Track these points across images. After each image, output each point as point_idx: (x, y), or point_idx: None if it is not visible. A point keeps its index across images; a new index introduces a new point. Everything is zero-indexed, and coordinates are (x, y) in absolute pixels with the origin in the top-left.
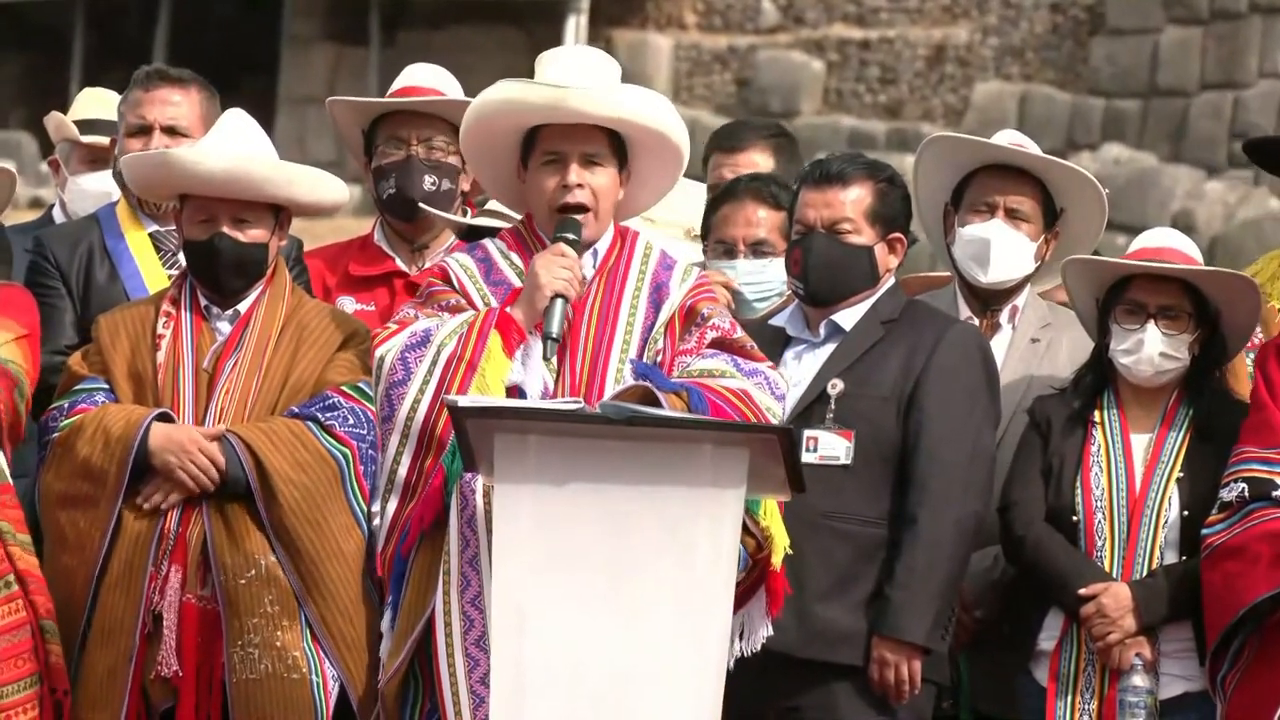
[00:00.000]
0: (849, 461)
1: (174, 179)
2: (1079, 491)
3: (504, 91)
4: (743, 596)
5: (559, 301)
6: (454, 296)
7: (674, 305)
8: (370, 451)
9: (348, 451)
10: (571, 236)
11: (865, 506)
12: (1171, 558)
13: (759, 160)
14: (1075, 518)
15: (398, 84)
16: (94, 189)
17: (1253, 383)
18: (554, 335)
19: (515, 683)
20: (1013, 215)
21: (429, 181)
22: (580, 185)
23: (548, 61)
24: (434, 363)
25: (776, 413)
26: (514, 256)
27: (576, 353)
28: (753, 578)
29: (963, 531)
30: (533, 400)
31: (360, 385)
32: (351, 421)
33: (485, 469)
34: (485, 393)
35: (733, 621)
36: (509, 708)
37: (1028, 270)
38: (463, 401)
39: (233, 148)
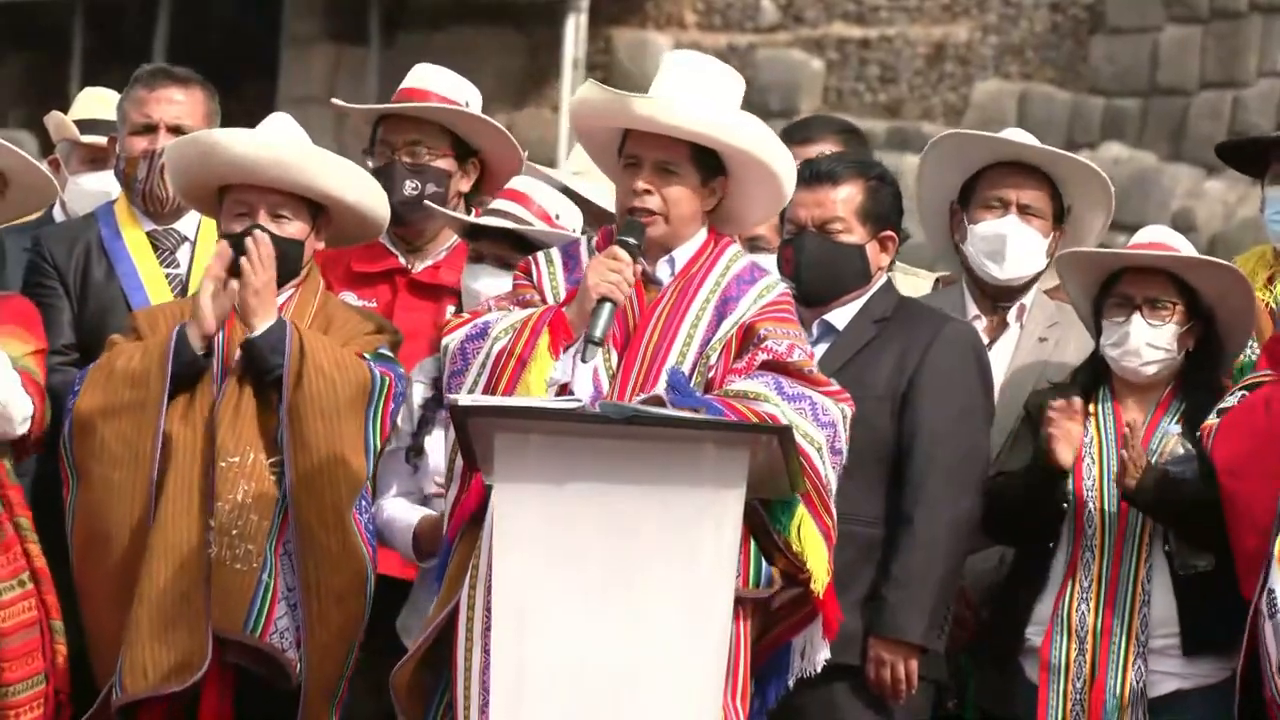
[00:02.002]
0: (844, 462)
1: (214, 163)
2: (1070, 480)
3: (584, 92)
4: (799, 624)
5: (606, 305)
6: (530, 291)
7: (737, 321)
8: (400, 392)
9: (385, 378)
10: (631, 241)
11: (861, 507)
12: (1159, 548)
13: (828, 153)
14: (1065, 504)
15: (402, 86)
16: (94, 189)
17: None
18: (595, 338)
19: (515, 683)
20: (1025, 211)
21: (409, 186)
22: (648, 191)
23: (663, 65)
24: (488, 354)
25: (815, 438)
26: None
27: (636, 357)
28: (805, 611)
29: (958, 530)
30: (531, 399)
31: (379, 350)
32: (386, 365)
33: (486, 468)
34: (527, 390)
35: (795, 642)
36: (509, 708)
37: (1040, 266)
38: (463, 400)
39: (275, 136)
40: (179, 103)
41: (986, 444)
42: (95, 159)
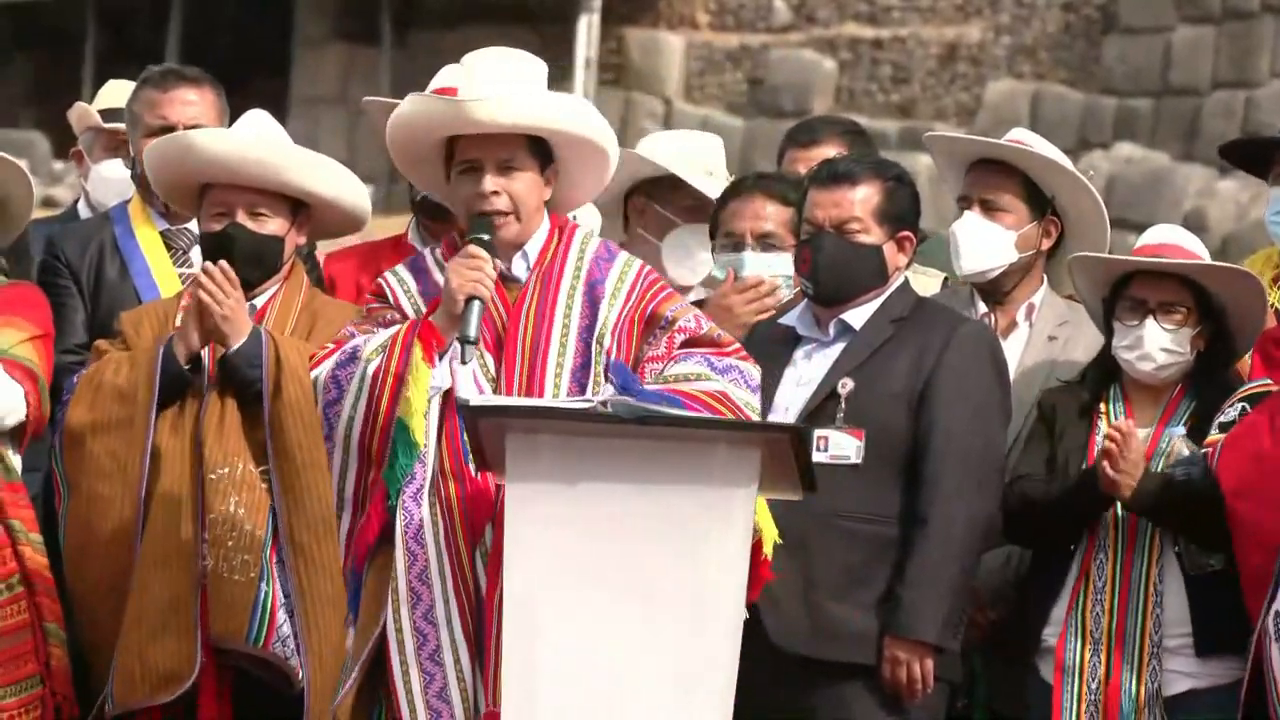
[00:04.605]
0: (860, 461)
1: (192, 162)
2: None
3: (412, 105)
4: None
5: (475, 304)
6: (390, 313)
7: (621, 306)
8: None
9: None
10: (484, 237)
11: (877, 506)
12: (1170, 548)
13: (833, 155)
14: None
15: (434, 84)
16: (114, 175)
17: (1251, 365)
18: (470, 338)
19: (527, 682)
20: (988, 207)
21: None
22: (496, 192)
23: (468, 66)
24: (363, 378)
25: (755, 406)
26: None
27: (514, 355)
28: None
29: (974, 530)
30: (546, 399)
31: None
32: None
33: (498, 469)
34: (409, 405)
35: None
36: (521, 707)
37: (1008, 259)
38: (474, 401)
39: (252, 134)
40: (193, 103)
41: (1003, 443)
42: (119, 146)
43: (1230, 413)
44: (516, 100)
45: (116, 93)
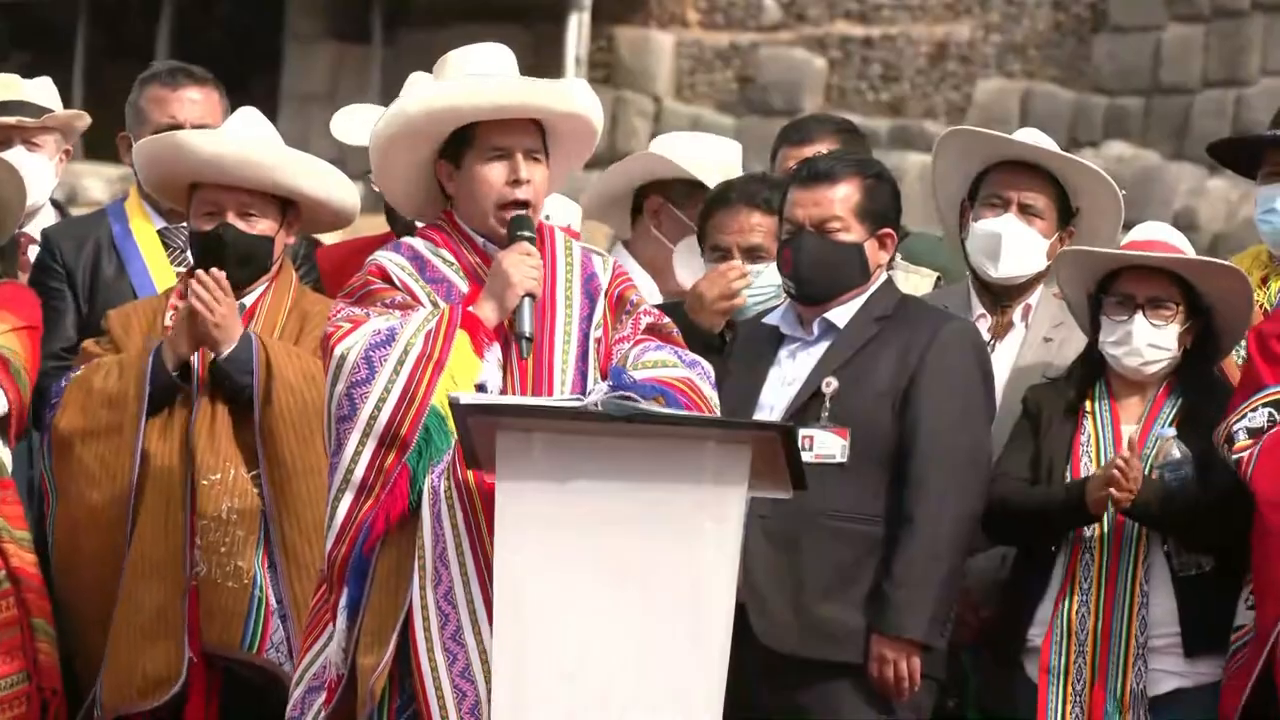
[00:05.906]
0: (845, 460)
1: (184, 162)
2: (1069, 480)
3: (444, 100)
4: None
5: (528, 300)
6: (398, 294)
7: (604, 295)
8: None
9: None
10: (529, 234)
11: (863, 505)
12: (1157, 548)
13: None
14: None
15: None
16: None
17: (1245, 361)
18: (529, 334)
19: (517, 680)
20: (1026, 211)
21: None
22: (528, 180)
23: (458, 63)
24: (401, 362)
25: (715, 402)
26: (445, 253)
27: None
28: None
29: (960, 528)
30: (534, 398)
31: None
32: None
33: (487, 466)
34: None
35: None
36: (511, 705)
37: (1039, 266)
38: (464, 399)
39: (243, 134)
40: (198, 101)
41: (988, 442)
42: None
43: (1256, 418)
44: (574, 89)
45: None
